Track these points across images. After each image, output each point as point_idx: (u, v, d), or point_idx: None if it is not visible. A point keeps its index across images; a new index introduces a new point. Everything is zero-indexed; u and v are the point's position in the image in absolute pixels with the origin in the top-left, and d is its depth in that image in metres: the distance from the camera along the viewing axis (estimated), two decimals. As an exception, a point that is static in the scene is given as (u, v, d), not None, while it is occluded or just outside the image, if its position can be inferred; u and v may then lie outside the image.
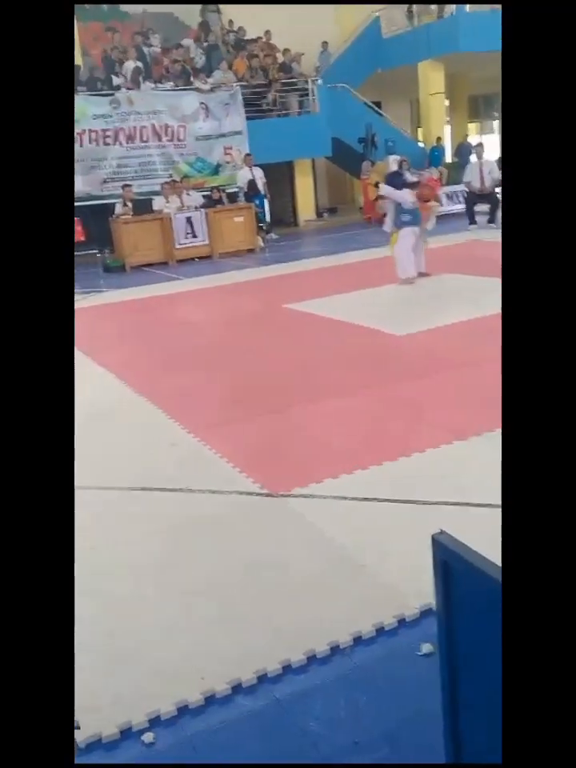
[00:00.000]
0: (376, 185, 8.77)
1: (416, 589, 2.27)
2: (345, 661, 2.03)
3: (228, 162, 14.09)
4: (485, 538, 2.43)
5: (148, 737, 1.85)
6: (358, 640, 2.09)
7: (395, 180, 7.68)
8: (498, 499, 2.73)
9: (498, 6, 15.63)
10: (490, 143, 17.82)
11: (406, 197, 7.41)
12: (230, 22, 16.20)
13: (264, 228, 13.25)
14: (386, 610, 2.18)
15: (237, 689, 1.98)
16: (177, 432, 3.97)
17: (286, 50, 15.70)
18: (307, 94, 15.13)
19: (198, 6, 15.82)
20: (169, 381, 5.01)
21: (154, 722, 1.89)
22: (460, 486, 2.93)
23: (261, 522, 2.86)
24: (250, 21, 15.86)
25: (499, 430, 3.47)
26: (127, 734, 1.86)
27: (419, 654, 2.00)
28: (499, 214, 11.42)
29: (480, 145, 11.89)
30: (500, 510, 2.76)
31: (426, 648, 2.00)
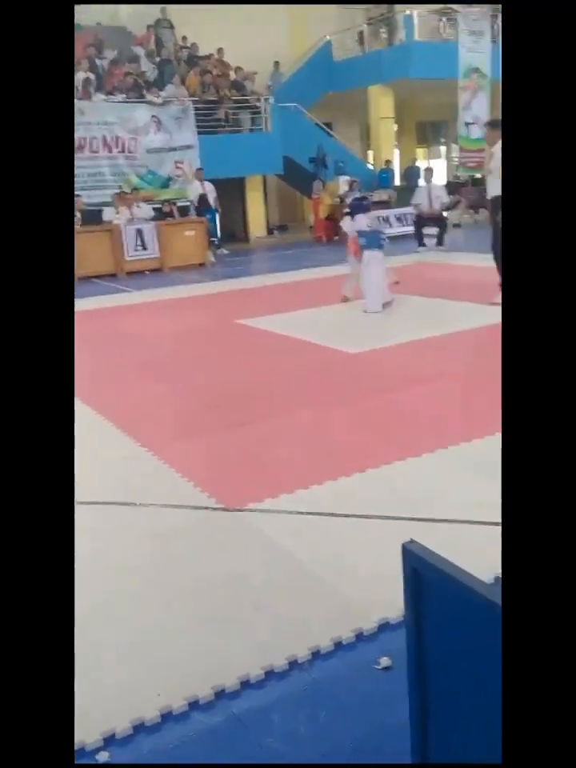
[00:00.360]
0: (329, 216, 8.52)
1: (373, 602, 2.29)
2: (303, 676, 2.02)
3: (179, 176, 14.08)
4: (437, 551, 2.49)
5: (103, 755, 1.80)
6: (316, 654, 2.09)
7: (360, 204, 7.41)
8: (449, 514, 2.80)
9: (449, 38, 16.17)
10: (436, 167, 18.30)
11: (362, 222, 7.35)
12: (184, 38, 16.25)
13: (215, 243, 13.27)
14: (344, 624, 2.19)
15: (194, 705, 1.95)
16: (130, 446, 3.91)
17: (238, 68, 15.84)
18: (259, 112, 15.28)
19: (151, 21, 15.81)
20: (120, 394, 4.94)
21: (109, 741, 1.84)
22: (413, 502, 2.97)
23: (217, 537, 2.84)
24: (204, 38, 15.95)
25: (450, 447, 3.54)
26: (81, 753, 1.81)
27: (378, 667, 2.00)
28: (446, 236, 11.72)
29: (429, 169, 12.19)
30: (451, 524, 2.82)
31: (385, 662, 2.01)
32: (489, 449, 3.50)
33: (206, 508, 3.09)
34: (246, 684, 2.01)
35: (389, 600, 2.24)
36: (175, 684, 2.01)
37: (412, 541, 1.24)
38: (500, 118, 14.94)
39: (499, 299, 6.98)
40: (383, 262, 6.98)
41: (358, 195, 8.13)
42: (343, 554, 2.61)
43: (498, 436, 3.64)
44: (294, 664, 2.06)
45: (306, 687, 1.98)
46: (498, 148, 6.83)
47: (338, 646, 2.12)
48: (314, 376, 5.16)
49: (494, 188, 6.85)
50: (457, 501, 2.95)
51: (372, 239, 7.01)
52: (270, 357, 5.84)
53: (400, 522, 2.81)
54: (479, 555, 2.52)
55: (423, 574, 1.12)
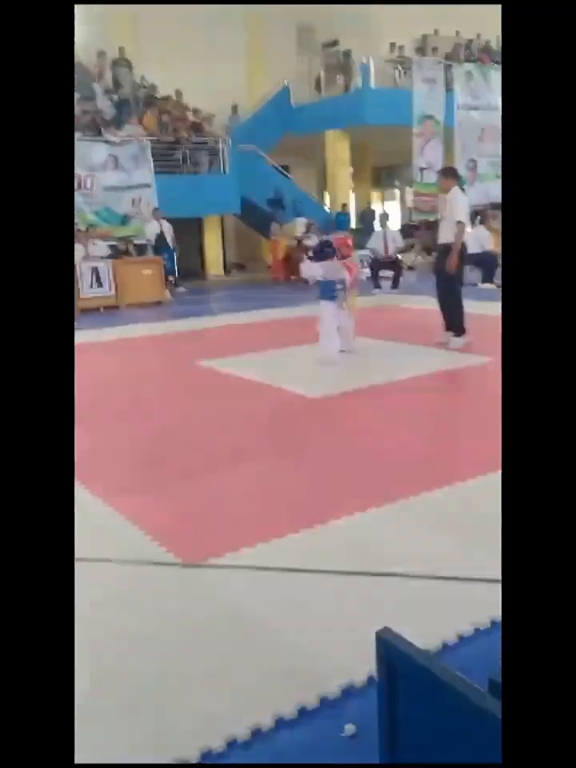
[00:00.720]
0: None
1: (336, 665, 2.24)
2: (267, 746, 1.96)
3: (136, 214, 14.10)
4: (406, 612, 2.47)
5: None
6: (280, 722, 2.03)
7: (322, 250, 7.03)
8: (413, 568, 2.78)
9: (403, 85, 16.70)
10: (391, 210, 18.73)
11: (316, 270, 7.04)
12: (142, 77, 16.43)
13: (173, 281, 13.26)
14: (308, 689, 2.14)
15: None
16: (83, 495, 3.80)
17: (196, 110, 16.06)
18: (218, 154, 15.47)
19: (108, 59, 15.96)
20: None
21: None
22: (377, 555, 2.95)
23: (174, 596, 2.76)
24: (162, 79, 16.16)
25: (412, 497, 3.54)
26: None
27: (343, 735, 1.96)
28: (402, 279, 11.96)
29: (385, 215, 12.49)
30: (416, 579, 2.80)
31: (350, 729, 1.96)
32: (448, 499, 3.52)
33: (164, 563, 3.01)
34: (207, 755, 1.94)
35: (352, 664, 2.21)
36: (133, 756, 1.92)
37: (387, 629, 1.21)
38: (453, 165, 15.43)
39: (443, 338, 7.11)
40: (336, 314, 6.72)
41: (321, 240, 7.92)
42: (306, 613, 2.56)
43: (457, 486, 3.67)
44: (257, 733, 2.00)
45: (271, 758, 1.91)
46: (451, 195, 7.01)
47: (302, 712, 2.06)
48: (275, 421, 5.14)
49: (445, 235, 6.99)
50: (418, 555, 2.94)
51: (325, 289, 6.75)
52: (230, 400, 5.80)
53: (363, 577, 2.78)
54: (442, 611, 2.52)
55: (397, 666, 1.10)
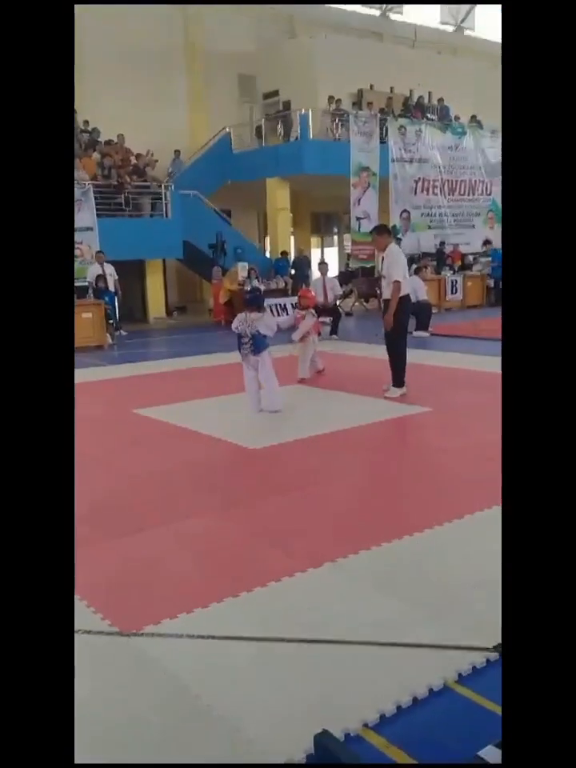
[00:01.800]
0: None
1: (276, 739, 2.21)
2: None
3: (78, 256, 13.98)
4: (346, 682, 2.46)
5: None
6: (217, 808, 1.99)
7: (252, 297, 6.93)
8: (355, 635, 2.78)
9: (340, 137, 17.20)
10: (329, 256, 19.14)
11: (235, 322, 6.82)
12: (86, 122, 16.46)
13: (113, 324, 13.15)
14: (246, 771, 2.10)
15: None
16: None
17: (139, 154, 16.16)
18: (160, 198, 15.56)
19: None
20: None
21: None
22: (317, 620, 2.94)
23: (109, 669, 2.69)
24: (105, 122, 16.23)
25: (351, 556, 3.56)
26: None
27: (281, 821, 1.92)
28: (340, 325, 12.16)
29: (324, 263, 12.72)
30: (356, 646, 2.78)
31: (289, 814, 1.93)
32: (388, 558, 3.54)
33: (100, 633, 2.93)
34: None
35: (291, 737, 2.18)
36: None
37: (325, 732, 1.21)
38: (388, 215, 15.82)
39: (391, 394, 7.23)
40: (267, 364, 6.59)
41: (253, 287, 8.02)
42: (243, 684, 2.52)
43: (395, 543, 3.70)
44: (193, 821, 1.94)
45: None
46: (387, 253, 7.19)
47: (240, 797, 2.02)
48: (213, 474, 5.11)
49: (387, 291, 7.16)
50: (359, 619, 2.94)
51: (258, 343, 6.50)
52: (168, 452, 5.73)
53: (302, 645, 2.76)
54: (381, 680, 2.52)
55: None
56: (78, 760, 2.13)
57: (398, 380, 7.28)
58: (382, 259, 7.30)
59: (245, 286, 14.61)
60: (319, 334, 8.15)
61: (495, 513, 3.93)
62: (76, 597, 3.22)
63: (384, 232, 7.44)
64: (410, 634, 2.80)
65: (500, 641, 2.65)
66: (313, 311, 8.16)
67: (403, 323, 7.25)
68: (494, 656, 2.63)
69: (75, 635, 2.88)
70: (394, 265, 7.05)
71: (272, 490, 4.66)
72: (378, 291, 7.40)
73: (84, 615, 3.06)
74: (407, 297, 7.20)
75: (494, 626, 2.68)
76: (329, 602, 3.10)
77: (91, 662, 2.71)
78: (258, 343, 6.47)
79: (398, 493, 4.74)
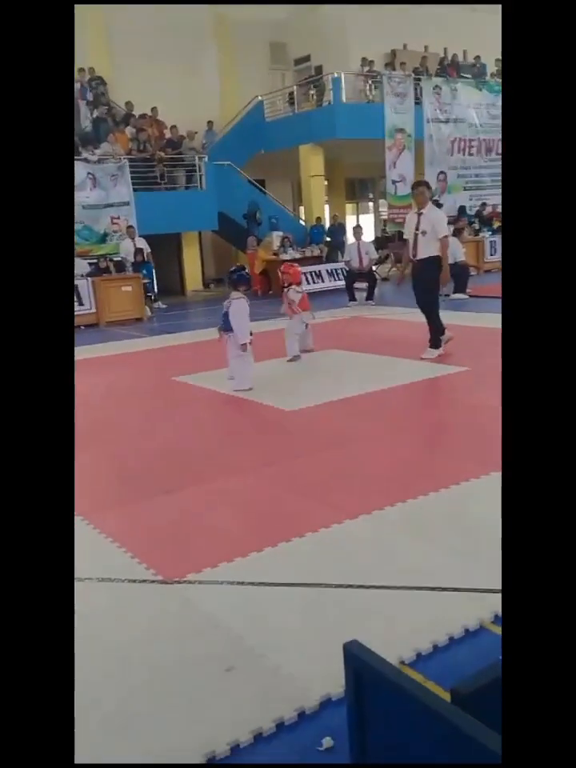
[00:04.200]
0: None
1: (316, 677, 2.28)
2: (246, 761, 1.99)
3: (115, 232, 14.13)
4: (382, 624, 2.51)
5: None
6: (258, 737, 2.06)
7: (234, 277, 6.66)
8: (390, 580, 2.83)
9: (374, 99, 16.92)
10: (365, 223, 18.93)
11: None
12: (129, 103, 16.38)
13: (152, 297, 13.30)
14: (287, 703, 2.17)
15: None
16: (63, 516, 3.81)
17: (173, 127, 16.14)
18: (194, 170, 15.55)
19: (87, 75, 16.01)
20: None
21: None
22: (353, 567, 2.99)
23: (154, 611, 2.79)
24: (138, 97, 16.23)
25: (388, 508, 3.60)
26: None
27: (320, 749, 1.99)
28: (377, 291, 12.07)
29: (359, 227, 12.58)
30: (391, 590, 2.83)
31: (327, 743, 1.99)
32: (424, 509, 3.57)
33: (144, 581, 3.03)
34: (187, 773, 1.96)
35: (330, 673, 2.24)
36: (113, 777, 1.94)
37: (355, 642, 1.26)
38: (424, 177, 15.56)
39: (428, 355, 7.18)
40: (232, 343, 6.41)
41: (236, 266, 7.44)
42: (284, 627, 2.60)
43: (432, 495, 3.73)
44: (236, 749, 2.03)
45: (249, 773, 1.95)
46: (429, 210, 7.07)
47: (281, 727, 2.10)
48: (252, 435, 5.19)
49: (425, 250, 7.00)
50: (396, 566, 2.99)
51: (226, 322, 6.37)
52: (207, 415, 5.83)
53: (340, 589, 2.82)
54: (417, 622, 2.56)
55: (364, 676, 1.14)
56: (127, 698, 2.25)
57: (435, 341, 7.22)
58: (418, 216, 7.09)
59: (279, 255, 14.59)
60: (308, 310, 7.62)
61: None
62: (121, 549, 3.35)
63: (427, 186, 7.34)
64: (446, 579, 2.83)
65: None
66: (297, 288, 7.64)
67: (437, 282, 7.17)
68: (530, 598, 2.64)
69: (119, 583, 3.01)
70: (439, 221, 7.00)
71: (309, 449, 4.71)
72: (411, 251, 7.09)
73: (129, 566, 3.17)
74: (439, 257, 7.07)
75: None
76: (366, 551, 3.16)
77: (136, 608, 2.83)
78: (226, 322, 6.34)
79: (433, 449, 4.75)
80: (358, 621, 2.59)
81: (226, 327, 6.40)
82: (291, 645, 2.48)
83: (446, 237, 6.99)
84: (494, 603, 2.63)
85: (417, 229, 7.05)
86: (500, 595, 2.66)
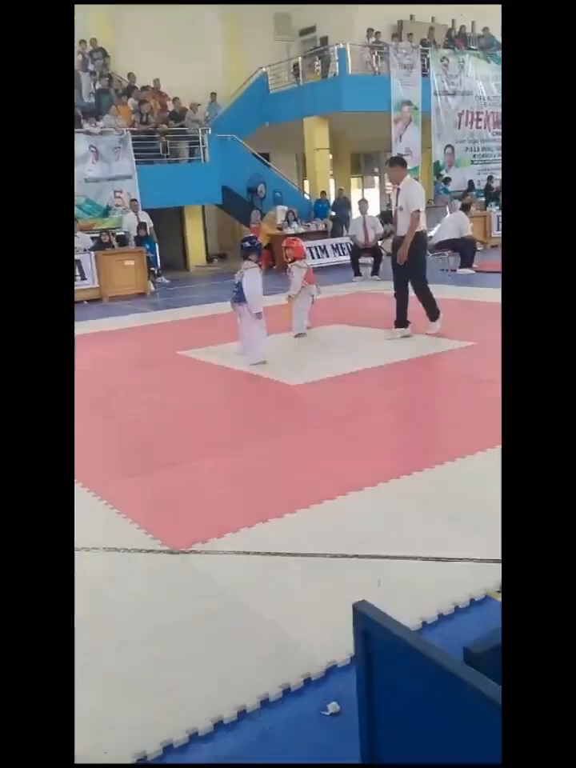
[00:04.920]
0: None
1: (320, 644, 2.30)
2: (253, 725, 2.01)
3: (118, 205, 14.03)
4: (387, 593, 2.52)
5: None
6: (265, 703, 2.08)
7: (248, 247, 6.57)
8: (395, 550, 2.84)
9: (380, 71, 16.67)
10: (371, 197, 18.74)
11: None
12: (131, 74, 16.18)
13: (155, 272, 13.23)
14: (292, 669, 2.19)
15: (142, 761, 1.91)
16: (69, 487, 3.83)
17: (175, 99, 15.95)
18: (197, 143, 15.39)
19: (88, 47, 15.80)
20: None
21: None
22: (358, 538, 3.00)
23: (160, 580, 2.81)
24: (140, 69, 16.02)
25: (393, 480, 3.60)
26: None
27: (326, 713, 2.01)
28: (382, 266, 11.99)
29: (364, 201, 12.47)
30: (396, 561, 2.84)
31: (333, 708, 2.01)
32: (429, 482, 3.58)
33: (151, 551, 3.05)
34: (194, 737, 1.98)
35: (336, 643, 2.26)
36: (122, 740, 1.96)
37: (363, 602, 1.26)
38: (430, 159, 15.31)
39: (431, 329, 7.10)
40: (250, 315, 6.33)
41: (247, 236, 7.33)
42: (290, 596, 2.61)
43: (437, 468, 3.73)
44: (243, 713, 2.05)
45: (256, 738, 1.97)
46: (405, 184, 6.81)
47: (287, 692, 2.12)
48: (258, 408, 5.18)
49: (402, 226, 6.79)
50: (397, 536, 3.00)
51: (240, 293, 6.31)
52: (213, 389, 5.83)
53: (344, 559, 2.84)
54: (423, 591, 2.58)
55: (374, 636, 1.14)
56: (130, 661, 2.27)
57: (433, 313, 7.07)
58: (397, 192, 6.90)
59: (283, 230, 14.48)
60: (314, 283, 7.51)
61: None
62: (127, 520, 3.36)
63: (401, 164, 7.06)
64: (450, 549, 2.84)
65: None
66: (300, 263, 7.58)
67: (423, 259, 6.98)
68: (536, 569, 2.65)
69: (125, 553, 3.02)
70: (414, 196, 6.73)
71: (315, 423, 4.71)
72: (392, 227, 6.93)
73: (135, 536, 3.19)
74: (424, 232, 6.88)
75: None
76: (370, 522, 3.16)
77: (143, 577, 2.85)
78: (240, 293, 6.29)
79: (438, 423, 4.75)
80: (363, 590, 2.58)
81: (240, 298, 6.34)
82: (297, 613, 2.50)
83: (417, 211, 6.67)
84: (499, 573, 2.63)
85: (396, 204, 6.90)
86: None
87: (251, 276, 6.29)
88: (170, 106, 15.96)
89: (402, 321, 7.08)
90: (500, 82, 18.22)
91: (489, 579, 2.61)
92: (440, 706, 1.03)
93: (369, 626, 1.15)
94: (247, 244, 6.65)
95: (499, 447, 3.92)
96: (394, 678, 1.13)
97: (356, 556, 2.84)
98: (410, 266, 6.82)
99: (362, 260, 12.02)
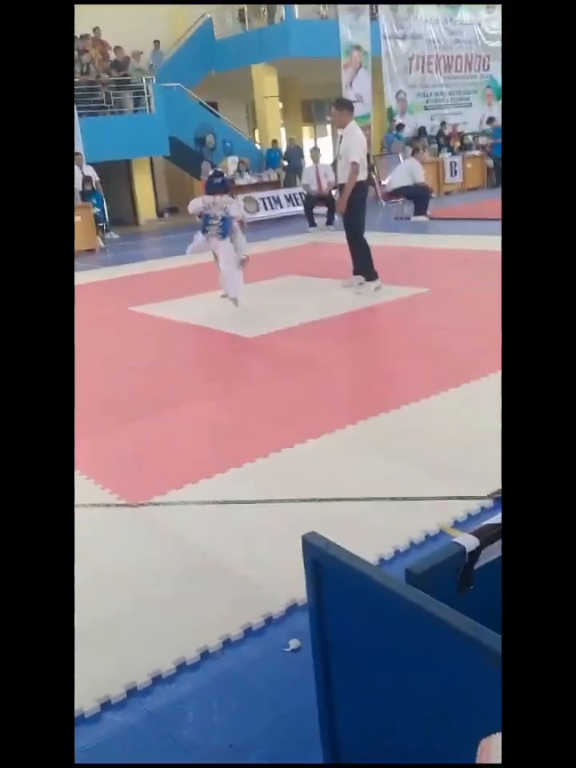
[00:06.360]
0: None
1: (281, 585, 2.33)
2: (215, 665, 2.05)
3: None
4: (345, 533, 2.55)
5: None
6: (227, 643, 2.12)
7: (213, 183, 6.39)
8: (349, 493, 2.88)
9: (328, 15, 16.26)
10: (323, 146, 18.49)
11: (198, 204, 6.53)
12: None
13: (104, 228, 12.91)
14: (254, 610, 2.23)
15: (106, 706, 1.94)
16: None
17: (117, 48, 15.34)
18: (142, 93, 14.90)
19: None
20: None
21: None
22: (316, 483, 3.04)
23: (121, 534, 2.81)
24: (80, 16, 15.31)
25: (350, 426, 3.63)
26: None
27: (287, 650, 2.05)
28: (336, 215, 11.89)
29: (316, 149, 12.28)
30: (351, 502, 2.88)
31: (294, 644, 2.06)
32: (387, 425, 3.62)
33: (109, 505, 3.04)
34: (157, 679, 2.01)
35: (295, 580, 2.28)
36: (86, 686, 1.98)
37: (313, 533, 1.27)
38: (382, 105, 15.07)
39: (364, 288, 6.89)
40: (229, 249, 6.30)
41: (214, 170, 7.12)
42: (250, 541, 2.64)
43: (394, 412, 3.77)
44: (205, 654, 2.08)
45: (218, 677, 2.00)
46: (346, 131, 6.51)
47: (248, 632, 2.15)
48: (214, 362, 5.16)
49: (342, 175, 6.54)
50: (355, 479, 3.04)
51: (227, 227, 6.21)
52: (168, 344, 5.77)
53: (303, 504, 2.87)
54: (380, 530, 2.63)
55: (323, 565, 1.16)
56: (96, 616, 2.27)
57: (370, 273, 6.81)
58: (340, 139, 6.63)
59: (235, 181, 14.21)
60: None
61: (493, 380, 3.98)
62: (84, 476, 3.33)
63: (347, 107, 6.71)
64: (409, 489, 2.89)
65: (497, 489, 2.74)
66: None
67: (362, 210, 6.68)
68: (489, 503, 2.72)
69: (84, 509, 3.00)
70: (352, 146, 6.41)
71: (270, 375, 4.70)
72: (334, 176, 6.61)
73: (92, 491, 3.17)
74: (365, 182, 6.60)
75: (490, 481, 2.77)
76: (329, 467, 3.20)
77: (102, 531, 2.84)
78: (226, 226, 6.17)
79: (395, 369, 4.79)
80: (321, 532, 2.63)
81: (225, 232, 6.18)
82: (257, 557, 2.53)
83: (354, 163, 6.35)
84: (454, 509, 2.70)
85: (337, 153, 6.64)
86: (461, 501, 2.75)
87: (239, 208, 6.22)
88: (112, 55, 15.35)
89: (369, 273, 6.83)
90: (449, 26, 17.98)
91: (443, 515, 2.67)
92: (389, 628, 1.05)
93: (317, 555, 1.17)
94: (218, 180, 6.43)
95: (452, 390, 3.98)
96: (344, 603, 1.15)
97: (313, 500, 2.87)
98: (352, 220, 6.60)
99: (316, 210, 11.90)
